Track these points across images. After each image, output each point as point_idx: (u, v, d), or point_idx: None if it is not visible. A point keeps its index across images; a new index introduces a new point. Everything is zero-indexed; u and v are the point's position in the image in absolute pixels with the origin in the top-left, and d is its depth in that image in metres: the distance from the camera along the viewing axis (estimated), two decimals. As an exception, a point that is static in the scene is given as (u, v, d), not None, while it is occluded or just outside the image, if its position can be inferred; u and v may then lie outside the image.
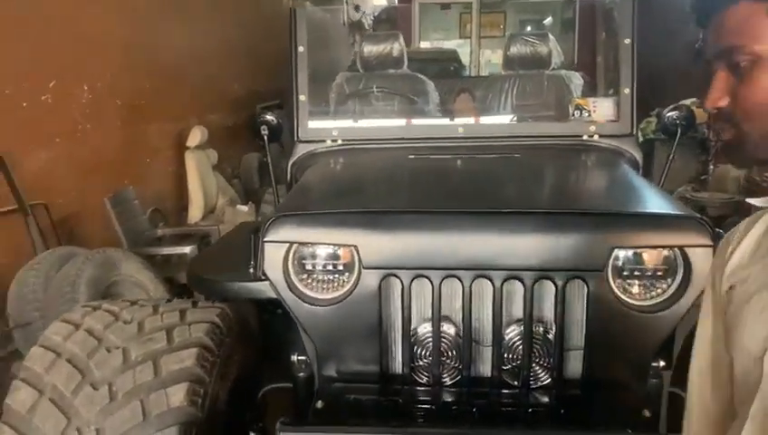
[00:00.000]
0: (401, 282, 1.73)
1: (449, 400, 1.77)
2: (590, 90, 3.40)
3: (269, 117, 2.76)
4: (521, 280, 1.70)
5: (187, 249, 4.07)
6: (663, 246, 1.70)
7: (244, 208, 6.20)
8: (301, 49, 2.81)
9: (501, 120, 3.28)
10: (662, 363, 1.77)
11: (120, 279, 3.54)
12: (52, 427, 1.70)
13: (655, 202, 1.91)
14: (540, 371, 1.80)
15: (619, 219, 1.75)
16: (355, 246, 1.74)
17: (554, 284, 1.70)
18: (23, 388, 1.78)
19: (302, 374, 1.90)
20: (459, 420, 1.67)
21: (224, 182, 6.47)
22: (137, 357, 1.82)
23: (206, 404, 1.79)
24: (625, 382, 1.76)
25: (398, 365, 1.83)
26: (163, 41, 5.61)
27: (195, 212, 5.84)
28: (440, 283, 1.72)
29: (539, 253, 1.68)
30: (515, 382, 1.80)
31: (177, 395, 1.74)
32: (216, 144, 6.22)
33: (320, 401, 1.76)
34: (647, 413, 1.66)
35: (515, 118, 3.19)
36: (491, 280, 1.70)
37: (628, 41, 2.74)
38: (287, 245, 1.79)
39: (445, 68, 6.89)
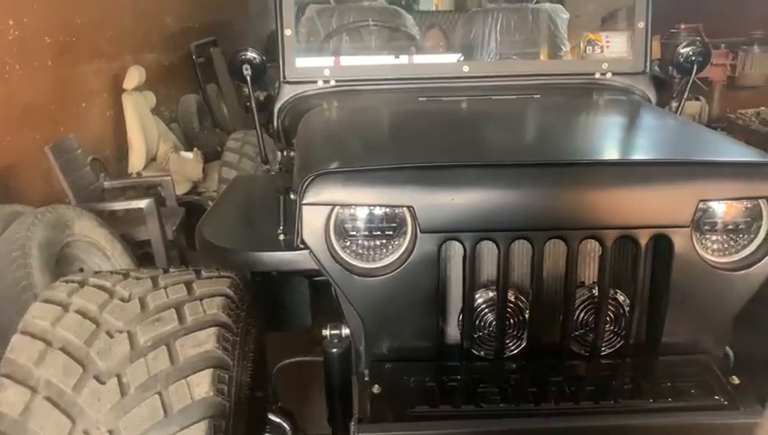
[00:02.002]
0: (464, 246, 1.51)
1: (517, 376, 1.59)
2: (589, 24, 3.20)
3: (251, 54, 2.41)
4: (599, 239, 1.51)
5: (143, 204, 3.68)
6: (751, 197, 1.55)
7: (189, 155, 5.77)
8: (285, -26, 2.46)
9: (509, 59, 3.04)
10: None
11: (74, 240, 3.17)
12: (54, 431, 1.42)
13: (735, 149, 1.76)
14: (612, 337, 1.64)
15: (707, 169, 1.58)
16: (411, 207, 1.50)
17: (635, 243, 1.52)
18: (9, 386, 1.48)
19: (335, 350, 1.67)
20: (544, 396, 1.50)
21: (164, 127, 6.00)
22: (146, 342, 1.54)
23: (232, 391, 1.55)
24: (705, 347, 1.63)
25: (455, 339, 1.62)
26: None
27: (136, 161, 5.38)
28: (508, 246, 1.51)
29: (621, 209, 1.50)
30: (583, 351, 1.64)
31: (202, 385, 1.49)
32: (151, 86, 5.72)
33: (376, 386, 1.54)
34: (735, 380, 1.54)
35: (516, 56, 2.97)
36: (566, 241, 1.51)
37: (642, -29, 2.55)
38: (329, 208, 1.52)
39: (395, 2, 6.53)
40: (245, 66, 2.41)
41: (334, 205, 1.53)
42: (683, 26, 6.62)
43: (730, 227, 1.59)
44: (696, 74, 2.54)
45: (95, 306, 1.62)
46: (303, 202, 1.50)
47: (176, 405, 1.45)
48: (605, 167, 1.57)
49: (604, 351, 1.65)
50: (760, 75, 6.67)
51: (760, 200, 1.56)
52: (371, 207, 1.56)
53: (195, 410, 1.45)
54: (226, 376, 1.54)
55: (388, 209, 1.55)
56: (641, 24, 2.57)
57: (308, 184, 1.50)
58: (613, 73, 2.58)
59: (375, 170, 1.54)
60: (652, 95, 2.59)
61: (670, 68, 2.75)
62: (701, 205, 1.53)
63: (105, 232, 3.33)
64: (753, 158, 1.66)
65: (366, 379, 1.61)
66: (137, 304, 1.64)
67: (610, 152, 1.89)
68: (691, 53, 2.52)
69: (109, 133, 5.25)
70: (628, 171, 1.55)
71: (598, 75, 2.59)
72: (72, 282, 1.74)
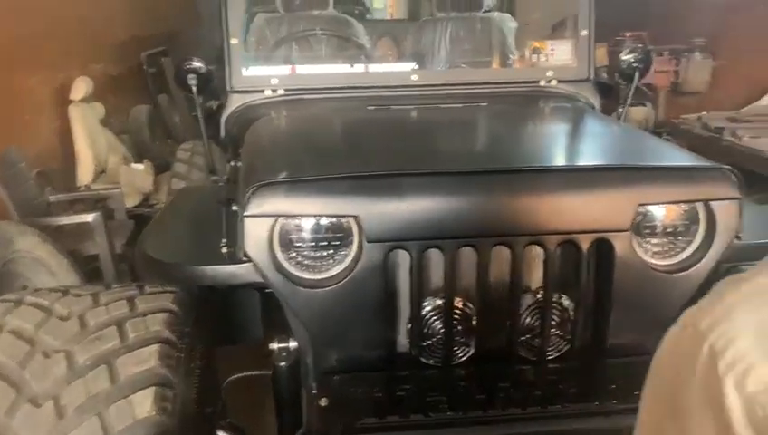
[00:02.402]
0: (411, 255, 1.51)
1: (466, 383, 1.59)
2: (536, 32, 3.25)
3: (197, 64, 2.37)
4: (542, 244, 1.53)
5: (89, 217, 3.58)
6: (689, 201, 1.59)
7: (140, 167, 5.64)
8: (232, -17, 2.43)
9: (458, 68, 3.07)
10: None
11: (17, 257, 3.06)
12: (-14, 459, 1.36)
13: (673, 154, 1.80)
14: (558, 341, 1.66)
15: (646, 174, 1.61)
16: (357, 217, 1.49)
17: (577, 247, 1.54)
18: (-64, 410, 1.41)
19: (283, 364, 1.64)
20: (492, 403, 1.50)
21: (113, 138, 5.85)
22: (85, 362, 1.50)
23: (176, 409, 1.51)
24: (648, 348, 1.65)
25: (404, 348, 1.62)
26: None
27: (84, 173, 5.23)
28: (453, 254, 1.51)
29: (564, 214, 1.52)
30: (530, 355, 1.65)
31: (144, 404, 1.45)
32: (100, 96, 5.59)
33: (324, 399, 1.52)
34: None
35: (466, 64, 2.99)
36: (511, 247, 1.52)
37: (586, -20, 2.60)
38: (273, 219, 1.50)
39: (347, 11, 6.52)
40: (191, 76, 2.37)
41: (278, 216, 1.51)
42: (628, 34, 6.79)
43: (669, 230, 1.63)
44: (638, 81, 2.60)
45: (31, 326, 1.57)
46: (246, 214, 1.48)
47: (117, 426, 1.41)
48: (546, 173, 1.59)
49: (551, 355, 1.66)
50: (701, 82, 6.88)
51: (696, 203, 1.60)
52: (316, 218, 1.54)
53: (137, 431, 1.41)
54: (170, 394, 1.50)
55: (333, 219, 1.54)
56: (585, 33, 2.62)
57: (251, 195, 1.48)
58: (558, 81, 2.63)
59: (319, 180, 1.53)
60: (596, 102, 2.65)
61: (616, 75, 2.80)
62: (640, 209, 1.56)
63: (50, 248, 3.23)
64: (690, 162, 1.70)
65: (314, 392, 1.59)
66: (76, 322, 1.59)
67: (553, 159, 1.92)
68: (633, 60, 2.57)
69: (55, 146, 5.10)
70: (568, 177, 1.58)
71: (543, 83, 2.64)
72: (8, 301, 1.68)
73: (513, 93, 2.61)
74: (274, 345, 1.67)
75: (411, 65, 2.83)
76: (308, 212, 1.52)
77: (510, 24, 3.54)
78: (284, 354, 1.67)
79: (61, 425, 1.39)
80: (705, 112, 5.53)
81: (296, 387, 1.67)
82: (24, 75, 4.64)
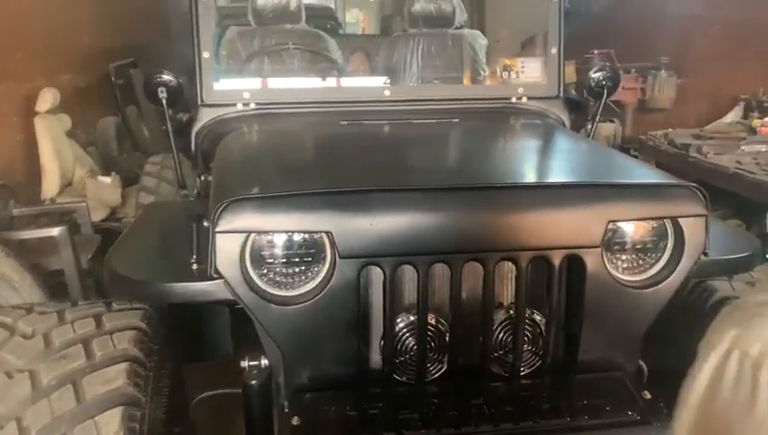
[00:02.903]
0: (384, 271, 1.50)
1: (439, 400, 1.59)
2: (506, 49, 3.30)
3: (167, 77, 2.35)
4: (514, 260, 1.53)
5: (55, 231, 3.50)
6: (658, 217, 1.61)
7: (107, 180, 5.55)
8: (203, -4, 2.42)
9: (430, 83, 3.09)
10: None
11: (-22, 272, 2.97)
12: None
13: (642, 172, 1.83)
14: (530, 357, 1.66)
15: (615, 191, 1.63)
16: (330, 233, 1.48)
17: (549, 263, 1.55)
18: None
19: (254, 382, 1.61)
20: (465, 420, 1.50)
21: (80, 151, 5.75)
22: (50, 381, 1.46)
23: (144, 429, 1.48)
24: (618, 363, 1.67)
25: (377, 365, 1.60)
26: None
27: (50, 186, 5.13)
28: (427, 270, 1.51)
29: (535, 230, 1.53)
30: (502, 371, 1.65)
31: (111, 424, 1.41)
32: (67, 108, 5.50)
33: (296, 418, 1.50)
34: (647, 395, 1.59)
35: (437, 80, 3.02)
36: (483, 263, 1.52)
37: (555, -1, 2.65)
38: (244, 235, 1.48)
39: (319, 26, 6.51)
40: (161, 89, 2.35)
41: (250, 232, 1.49)
42: (596, 52, 6.93)
43: (638, 246, 1.65)
44: (606, 98, 2.65)
45: (-7, 344, 1.53)
46: (217, 230, 1.45)
47: (82, 447, 1.38)
48: (518, 190, 1.60)
49: (523, 371, 1.67)
50: (667, 99, 7.04)
51: (665, 220, 1.63)
52: (289, 234, 1.53)
53: (103, 452, 1.38)
54: (138, 414, 1.47)
55: (306, 235, 1.53)
56: (554, 50, 2.66)
57: (222, 210, 1.46)
58: (528, 98, 2.66)
59: (292, 196, 1.51)
60: (566, 118, 2.68)
61: (584, 92, 2.85)
62: (610, 225, 1.58)
63: (13, 262, 3.14)
64: (658, 180, 1.73)
65: (285, 410, 1.57)
66: (40, 340, 1.55)
67: (524, 176, 1.94)
68: (602, 78, 2.62)
69: (20, 158, 5.00)
70: (540, 194, 1.59)
71: (514, 99, 2.66)
72: (-31, 319, 1.63)
73: (484, 109, 2.63)
74: (245, 363, 1.64)
75: (384, 80, 2.84)
76: (280, 228, 1.51)
77: (480, 40, 3.58)
78: (255, 372, 1.63)
79: (23, 448, 1.35)
80: (671, 129, 5.65)
81: (267, 405, 1.64)
82: (-12, 86, 4.55)
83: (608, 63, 3.02)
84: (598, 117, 2.75)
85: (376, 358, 1.62)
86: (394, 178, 1.74)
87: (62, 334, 1.57)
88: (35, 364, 1.48)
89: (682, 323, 1.92)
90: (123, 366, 1.51)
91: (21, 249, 3.44)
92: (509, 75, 2.70)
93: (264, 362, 1.64)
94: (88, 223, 4.25)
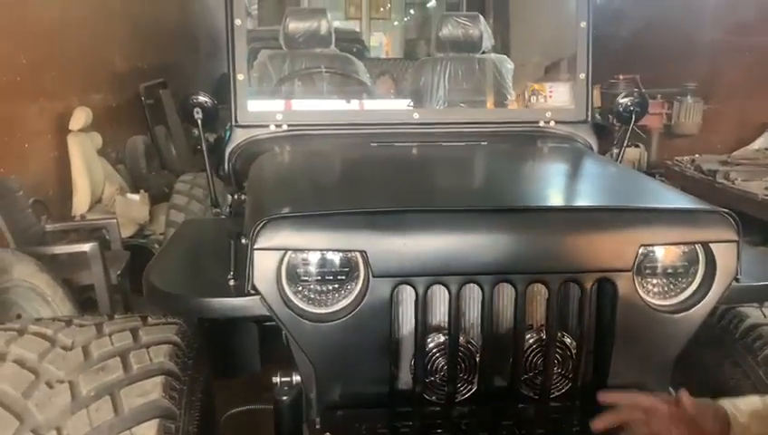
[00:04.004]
0: (416, 291, 1.52)
1: (469, 420, 1.59)
2: (532, 74, 3.34)
3: (203, 98, 2.41)
4: (545, 283, 1.55)
5: (86, 247, 3.58)
6: (689, 242, 1.62)
7: (136, 197, 5.65)
8: (238, 22, 2.48)
9: (457, 107, 3.13)
10: None
11: (12, 285, 3.05)
12: (-13, 490, 1.35)
13: (673, 197, 1.83)
14: (560, 380, 1.67)
15: (648, 215, 1.64)
16: (364, 252, 1.50)
17: (580, 286, 1.56)
18: (-61, 442, 1.40)
19: (285, 398, 1.64)
20: None
21: (110, 169, 5.87)
22: (89, 392, 1.49)
23: (179, 443, 1.50)
24: (648, 388, 1.67)
25: (407, 385, 1.62)
26: (36, 8, 4.93)
27: (80, 203, 5.23)
28: (458, 290, 1.53)
29: (568, 253, 1.54)
30: (532, 394, 1.65)
31: (147, 436, 1.44)
32: (98, 126, 5.62)
33: (327, 434, 1.52)
34: None
35: (464, 103, 3.05)
36: (514, 284, 1.54)
37: (584, 24, 2.67)
38: (281, 252, 1.51)
39: (346, 49, 6.61)
40: (197, 110, 2.42)
41: (286, 250, 1.52)
42: (621, 77, 6.94)
43: (669, 270, 1.65)
44: (634, 123, 2.66)
45: (35, 355, 1.57)
46: (255, 247, 1.49)
47: (120, 458, 1.41)
48: (551, 213, 1.61)
49: (553, 393, 1.67)
50: (693, 124, 7.02)
51: (696, 245, 1.63)
52: (324, 252, 1.56)
53: (139, 463, 1.41)
54: (173, 426, 1.50)
55: (340, 254, 1.55)
56: (582, 75, 2.69)
57: (260, 228, 1.49)
58: (556, 122, 2.68)
59: (328, 215, 1.54)
60: (594, 143, 2.70)
61: (610, 117, 2.87)
62: (642, 250, 1.58)
63: (46, 277, 3.21)
64: (690, 205, 1.74)
65: (317, 427, 1.59)
66: (79, 352, 1.59)
67: (556, 199, 1.95)
68: (629, 103, 2.64)
69: (52, 175, 5.11)
70: (572, 217, 1.60)
71: (542, 123, 2.69)
72: (11, 330, 1.68)
73: (511, 133, 2.65)
74: (277, 379, 1.66)
75: (412, 103, 2.88)
76: (316, 246, 1.54)
77: (507, 65, 3.62)
78: (287, 388, 1.66)
79: (63, 456, 1.39)
80: (697, 155, 5.63)
81: (298, 422, 1.66)
82: (23, 104, 4.67)
83: (635, 89, 3.03)
84: (626, 142, 2.76)
85: (406, 377, 1.63)
86: (426, 200, 1.77)
87: (100, 347, 1.60)
88: (75, 375, 1.52)
89: (713, 350, 1.91)
90: (159, 379, 1.54)
91: (53, 264, 3.52)
92: (537, 99, 2.72)
93: (296, 378, 1.66)
94: (118, 239, 4.33)
